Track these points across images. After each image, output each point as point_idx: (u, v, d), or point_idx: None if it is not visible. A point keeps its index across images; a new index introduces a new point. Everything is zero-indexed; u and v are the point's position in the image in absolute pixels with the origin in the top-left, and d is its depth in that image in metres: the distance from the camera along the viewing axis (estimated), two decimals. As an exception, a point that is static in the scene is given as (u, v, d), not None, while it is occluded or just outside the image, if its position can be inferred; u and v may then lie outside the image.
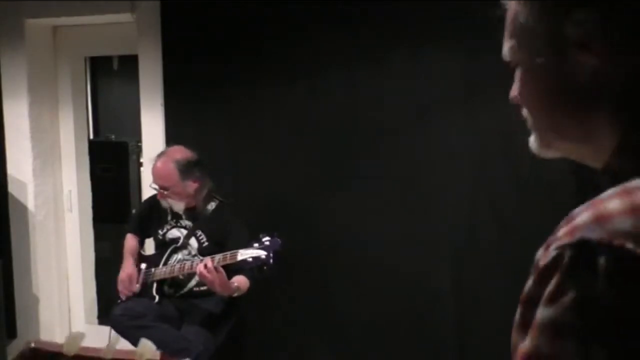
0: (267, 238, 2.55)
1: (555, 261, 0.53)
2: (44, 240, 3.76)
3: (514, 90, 0.69)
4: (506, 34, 0.68)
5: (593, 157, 0.65)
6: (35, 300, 3.74)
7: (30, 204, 3.68)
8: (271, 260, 2.51)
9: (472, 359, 2.91)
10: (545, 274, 0.54)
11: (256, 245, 2.54)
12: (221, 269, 2.51)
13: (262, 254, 2.51)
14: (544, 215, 2.71)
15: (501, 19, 0.70)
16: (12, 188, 3.69)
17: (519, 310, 0.57)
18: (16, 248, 3.72)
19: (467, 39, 2.70)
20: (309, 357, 3.20)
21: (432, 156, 2.89)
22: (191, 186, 2.78)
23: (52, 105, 3.80)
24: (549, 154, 0.69)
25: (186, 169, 2.75)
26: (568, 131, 0.65)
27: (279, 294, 3.16)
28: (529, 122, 0.69)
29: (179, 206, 2.82)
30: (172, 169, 2.75)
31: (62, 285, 3.92)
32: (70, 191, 3.88)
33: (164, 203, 2.84)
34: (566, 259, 0.52)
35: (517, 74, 0.69)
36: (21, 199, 3.68)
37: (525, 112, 0.69)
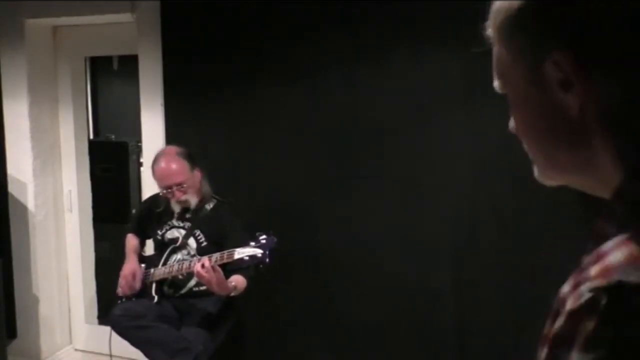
0: (264, 236, 2.56)
1: (590, 304, 0.52)
2: (44, 240, 3.76)
3: (511, 123, 0.71)
4: (494, 71, 0.70)
5: (595, 187, 0.64)
6: (35, 300, 3.74)
7: (30, 204, 3.68)
8: (267, 259, 2.51)
9: (472, 359, 2.91)
10: (578, 317, 0.52)
11: (252, 243, 2.55)
12: (218, 268, 2.52)
13: (259, 252, 2.52)
14: (544, 215, 2.71)
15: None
16: (12, 188, 3.70)
17: (545, 351, 0.55)
18: (16, 248, 3.72)
19: (467, 38, 2.70)
20: (309, 357, 3.20)
21: (432, 156, 2.89)
22: (197, 176, 2.82)
23: (52, 105, 3.80)
24: (552, 183, 0.70)
25: (190, 159, 2.80)
26: (564, 163, 0.65)
27: (279, 294, 3.16)
28: (529, 153, 0.70)
29: (194, 200, 2.83)
30: (182, 162, 2.77)
31: (62, 285, 3.92)
32: (70, 191, 3.88)
33: (175, 205, 2.83)
34: (603, 302, 0.51)
35: (510, 107, 0.70)
36: (21, 199, 3.68)
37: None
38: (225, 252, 2.56)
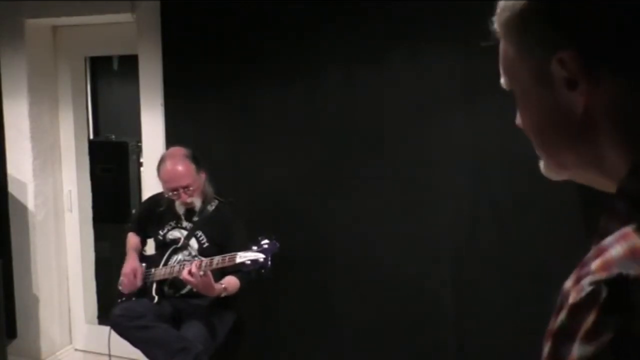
0: (266, 241, 2.56)
1: (591, 297, 0.53)
2: (44, 240, 3.76)
3: (518, 119, 0.71)
4: (500, 68, 0.71)
5: (602, 182, 0.65)
6: (35, 300, 3.74)
7: (30, 204, 3.68)
8: (269, 264, 2.52)
9: (471, 359, 2.91)
10: (580, 309, 0.53)
11: (255, 248, 2.55)
12: (209, 273, 2.55)
13: (261, 257, 2.52)
14: (544, 215, 2.71)
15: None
16: (12, 188, 3.70)
17: (549, 345, 0.56)
18: (16, 248, 3.72)
19: (467, 38, 2.70)
20: (309, 356, 3.20)
21: (432, 156, 2.89)
22: (202, 177, 2.82)
23: (52, 105, 3.80)
24: (558, 178, 0.70)
25: (196, 161, 2.80)
26: (570, 158, 0.66)
27: (278, 294, 3.16)
28: (535, 148, 0.71)
29: (198, 202, 2.83)
30: (189, 164, 2.77)
31: (62, 285, 3.92)
32: (70, 191, 3.88)
33: (179, 207, 2.83)
34: (603, 295, 0.52)
35: (517, 104, 0.71)
36: (21, 199, 3.68)
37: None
38: (227, 256, 2.57)
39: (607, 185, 0.64)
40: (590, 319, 0.52)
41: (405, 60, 2.87)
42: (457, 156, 2.84)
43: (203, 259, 2.64)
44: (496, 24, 0.69)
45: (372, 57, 2.93)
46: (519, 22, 0.65)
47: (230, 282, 2.66)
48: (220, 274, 2.69)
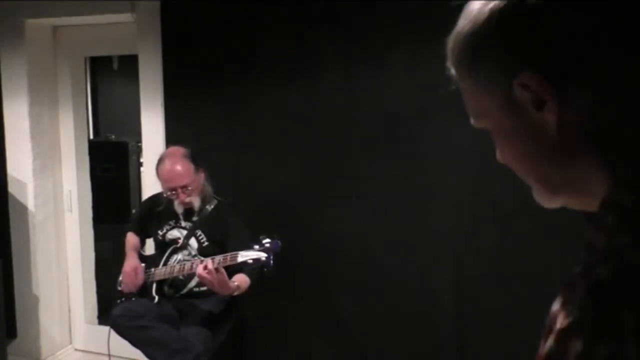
0: (268, 240, 2.55)
1: (578, 322, 0.51)
2: (44, 240, 3.76)
3: (498, 155, 0.70)
4: (468, 110, 0.70)
5: (593, 204, 0.63)
6: (35, 300, 3.74)
7: (30, 204, 3.68)
8: (271, 262, 2.51)
9: (471, 359, 2.91)
10: (568, 336, 0.52)
11: (256, 247, 2.54)
12: (222, 269, 2.51)
13: (263, 256, 2.51)
14: (544, 215, 2.70)
15: None
16: (12, 188, 3.70)
17: None
18: (16, 248, 3.72)
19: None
20: (310, 356, 3.20)
21: (432, 156, 2.89)
22: (201, 176, 2.82)
23: (52, 105, 3.80)
24: (553, 205, 0.69)
25: (195, 160, 2.79)
26: (558, 184, 0.65)
27: (279, 294, 3.16)
28: (523, 178, 0.70)
29: (197, 202, 2.82)
30: (189, 164, 2.77)
31: (62, 285, 3.92)
32: (70, 191, 3.88)
33: (178, 206, 2.83)
34: (590, 319, 0.50)
35: (494, 140, 0.69)
36: (21, 199, 3.68)
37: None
38: (229, 255, 2.56)
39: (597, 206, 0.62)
40: (578, 345, 0.50)
41: (405, 60, 2.87)
42: (458, 156, 2.83)
43: (203, 258, 2.64)
44: (451, 67, 0.68)
45: (372, 57, 2.93)
46: (471, 55, 0.64)
47: (242, 280, 2.64)
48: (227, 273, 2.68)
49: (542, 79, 0.58)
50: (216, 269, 2.50)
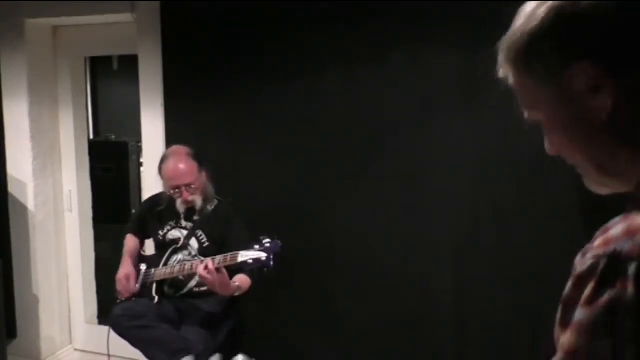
0: (268, 240, 2.55)
1: (592, 269, 0.61)
2: (44, 240, 3.76)
3: (547, 146, 0.76)
4: (520, 104, 0.75)
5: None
6: (35, 300, 3.74)
7: (30, 204, 3.68)
8: (271, 262, 2.51)
9: (471, 359, 2.91)
10: (583, 279, 0.62)
11: (257, 247, 2.54)
12: (223, 270, 2.51)
13: (263, 256, 2.51)
14: (544, 215, 2.71)
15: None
16: (12, 188, 3.70)
17: (560, 310, 0.65)
18: (16, 248, 3.72)
19: (467, 38, 2.70)
20: (310, 356, 3.20)
21: (432, 156, 2.89)
22: (203, 176, 2.82)
23: (52, 105, 3.80)
24: (605, 191, 0.74)
25: (198, 159, 2.80)
26: (611, 168, 0.70)
27: (279, 294, 3.16)
28: (576, 168, 0.75)
29: (199, 201, 2.82)
30: (192, 162, 2.77)
31: (62, 285, 3.92)
32: (70, 191, 3.88)
33: (180, 206, 2.82)
34: (601, 267, 0.61)
35: (545, 132, 0.75)
36: (21, 199, 3.68)
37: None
38: (229, 255, 2.55)
39: None
40: (589, 287, 0.61)
41: (405, 60, 2.87)
42: (458, 156, 2.83)
43: (203, 259, 2.64)
44: (503, 64, 0.74)
45: (372, 57, 2.93)
46: (529, 51, 0.69)
47: (243, 280, 2.64)
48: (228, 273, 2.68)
49: (598, 64, 0.64)
50: (217, 269, 2.50)
